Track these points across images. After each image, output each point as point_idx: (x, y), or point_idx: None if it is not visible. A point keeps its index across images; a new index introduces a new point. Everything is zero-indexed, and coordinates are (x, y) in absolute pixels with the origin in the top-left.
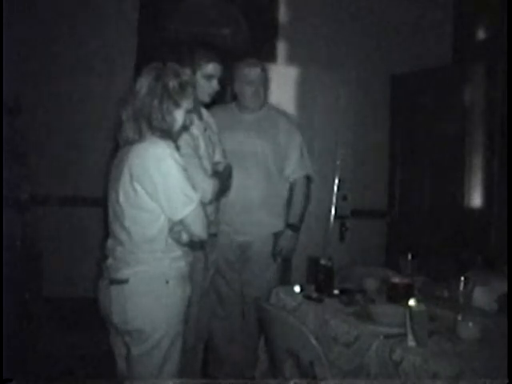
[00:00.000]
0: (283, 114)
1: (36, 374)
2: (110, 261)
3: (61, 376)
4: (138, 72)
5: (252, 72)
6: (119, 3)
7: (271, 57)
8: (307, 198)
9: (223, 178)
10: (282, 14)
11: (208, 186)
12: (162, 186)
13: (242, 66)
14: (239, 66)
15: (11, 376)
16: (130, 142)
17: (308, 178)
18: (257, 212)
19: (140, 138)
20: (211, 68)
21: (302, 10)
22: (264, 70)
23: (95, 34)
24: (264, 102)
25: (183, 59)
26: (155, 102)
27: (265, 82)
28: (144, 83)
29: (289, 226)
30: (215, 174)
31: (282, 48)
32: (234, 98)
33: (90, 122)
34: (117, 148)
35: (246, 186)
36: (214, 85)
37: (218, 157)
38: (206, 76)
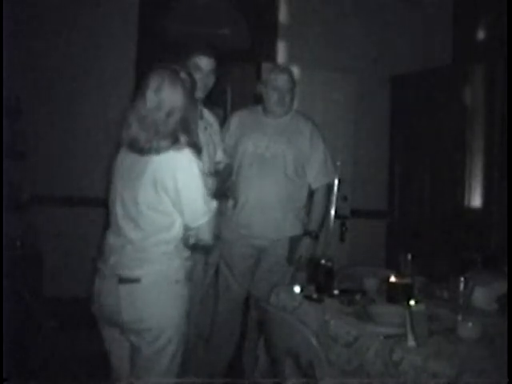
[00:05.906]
0: (310, 120)
1: (36, 374)
2: (114, 258)
3: (61, 376)
4: (137, 72)
5: (279, 78)
6: (119, 3)
7: (271, 57)
8: (327, 205)
9: (222, 178)
10: (282, 14)
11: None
12: (185, 193)
13: (270, 71)
14: (267, 70)
15: (11, 376)
16: (156, 150)
17: (329, 186)
18: (274, 215)
19: (165, 143)
20: (199, 60)
21: (302, 10)
22: (292, 77)
23: (95, 35)
24: (289, 108)
25: (179, 56)
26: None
27: (291, 90)
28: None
29: (308, 233)
30: (215, 173)
31: (281, 48)
32: (258, 99)
33: (90, 122)
34: (118, 147)
35: (264, 189)
36: (208, 80)
37: (219, 156)
38: (195, 67)
